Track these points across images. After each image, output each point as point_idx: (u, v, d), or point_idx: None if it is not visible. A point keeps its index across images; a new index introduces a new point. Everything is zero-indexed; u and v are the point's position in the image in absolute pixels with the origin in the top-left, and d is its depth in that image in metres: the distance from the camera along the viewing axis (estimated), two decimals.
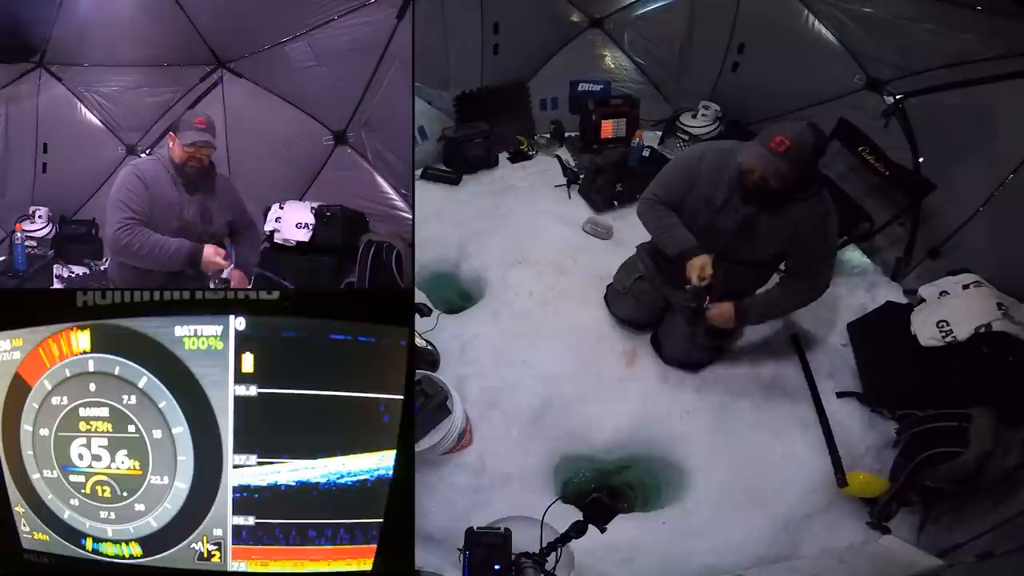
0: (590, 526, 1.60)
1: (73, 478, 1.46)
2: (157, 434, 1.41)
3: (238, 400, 1.38)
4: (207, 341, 1.39)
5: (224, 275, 2.35)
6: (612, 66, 3.76)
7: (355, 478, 1.40)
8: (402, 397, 1.42)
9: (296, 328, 1.39)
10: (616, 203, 3.34)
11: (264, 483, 1.40)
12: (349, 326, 1.40)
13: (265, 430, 1.39)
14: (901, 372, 2.46)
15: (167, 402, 1.40)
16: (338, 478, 1.40)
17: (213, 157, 2.34)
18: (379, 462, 1.41)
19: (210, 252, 2.24)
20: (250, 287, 2.53)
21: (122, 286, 2.35)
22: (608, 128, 3.63)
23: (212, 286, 2.33)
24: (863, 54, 2.95)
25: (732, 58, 3.53)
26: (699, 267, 2.17)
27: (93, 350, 1.42)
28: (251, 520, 1.41)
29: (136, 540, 1.45)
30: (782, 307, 2.35)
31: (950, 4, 2.49)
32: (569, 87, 3.71)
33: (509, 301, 2.90)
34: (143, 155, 3.34)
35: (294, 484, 1.40)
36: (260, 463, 1.39)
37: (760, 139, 2.03)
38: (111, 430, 1.43)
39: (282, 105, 3.25)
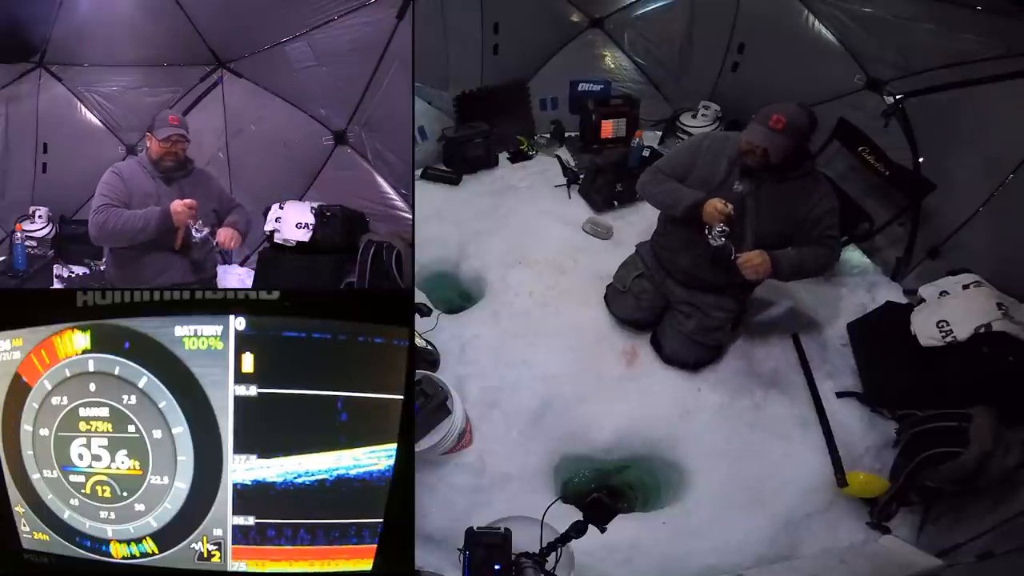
0: (590, 526, 1.60)
1: (73, 478, 1.46)
2: (157, 434, 1.41)
3: (238, 400, 1.38)
4: (207, 341, 1.39)
5: (207, 233, 2.39)
6: (612, 66, 3.77)
7: (355, 478, 1.40)
8: (402, 397, 1.42)
9: (296, 328, 1.39)
10: (616, 203, 3.34)
11: (264, 483, 1.40)
12: (349, 326, 1.40)
13: (265, 430, 1.39)
14: (901, 372, 2.46)
15: (167, 402, 1.40)
16: (337, 478, 1.40)
17: (193, 152, 2.46)
18: (379, 462, 1.41)
19: (176, 203, 2.29)
20: (247, 273, 2.53)
21: (120, 285, 2.36)
22: (608, 128, 3.63)
23: (197, 235, 2.37)
24: (863, 54, 2.95)
25: (732, 58, 3.53)
26: (717, 206, 2.19)
27: (93, 350, 1.42)
28: (251, 520, 1.41)
29: (150, 536, 1.45)
30: (807, 264, 2.31)
31: (950, 4, 2.49)
32: (569, 87, 3.71)
33: (509, 301, 2.90)
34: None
35: (294, 484, 1.40)
36: (260, 463, 1.39)
37: (757, 119, 2.17)
38: (111, 430, 1.43)
39: (282, 105, 3.26)
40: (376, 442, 1.41)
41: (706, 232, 2.24)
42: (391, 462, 1.41)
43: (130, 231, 2.27)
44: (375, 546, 1.42)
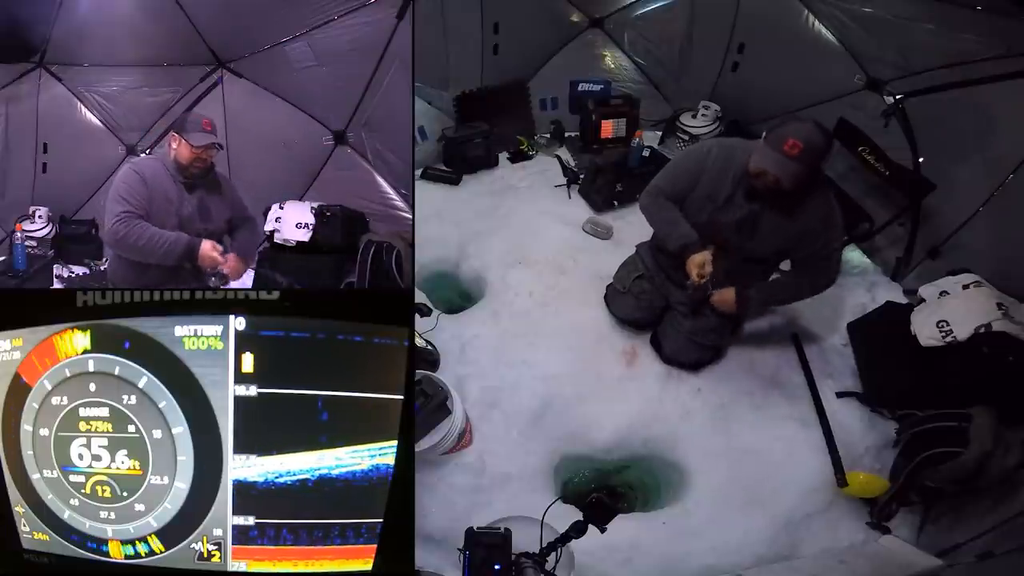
0: (590, 526, 1.60)
1: (73, 478, 1.46)
2: (157, 434, 1.41)
3: (238, 400, 1.38)
4: (207, 341, 1.39)
5: (222, 270, 2.30)
6: (612, 66, 3.76)
7: (355, 479, 1.40)
8: (402, 397, 1.42)
9: (296, 328, 1.39)
10: (616, 203, 3.34)
11: (264, 483, 1.40)
12: (349, 326, 1.40)
13: (265, 430, 1.39)
14: (901, 372, 2.46)
15: (167, 402, 1.40)
16: (337, 479, 1.40)
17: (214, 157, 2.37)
18: (379, 462, 1.41)
19: (207, 247, 2.23)
20: (247, 273, 2.53)
21: (121, 286, 2.35)
22: (608, 128, 3.63)
23: (211, 283, 2.31)
24: (863, 54, 2.95)
25: (732, 58, 3.53)
26: (699, 264, 2.20)
27: (93, 350, 1.42)
28: (251, 520, 1.41)
29: (155, 534, 1.45)
30: (786, 294, 2.29)
31: (950, 4, 2.49)
32: (569, 87, 3.71)
33: (509, 301, 2.90)
34: (143, 155, 3.34)
35: (294, 484, 1.40)
36: (260, 463, 1.39)
37: (770, 142, 2.01)
38: (111, 430, 1.43)
39: (282, 105, 3.26)
40: (376, 441, 1.41)
41: (685, 283, 2.26)
42: (392, 462, 1.41)
43: (149, 252, 2.17)
44: (375, 546, 1.42)
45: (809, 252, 2.24)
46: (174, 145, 2.25)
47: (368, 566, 1.43)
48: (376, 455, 1.41)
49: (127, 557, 1.46)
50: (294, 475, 1.40)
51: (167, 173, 2.26)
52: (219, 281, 2.31)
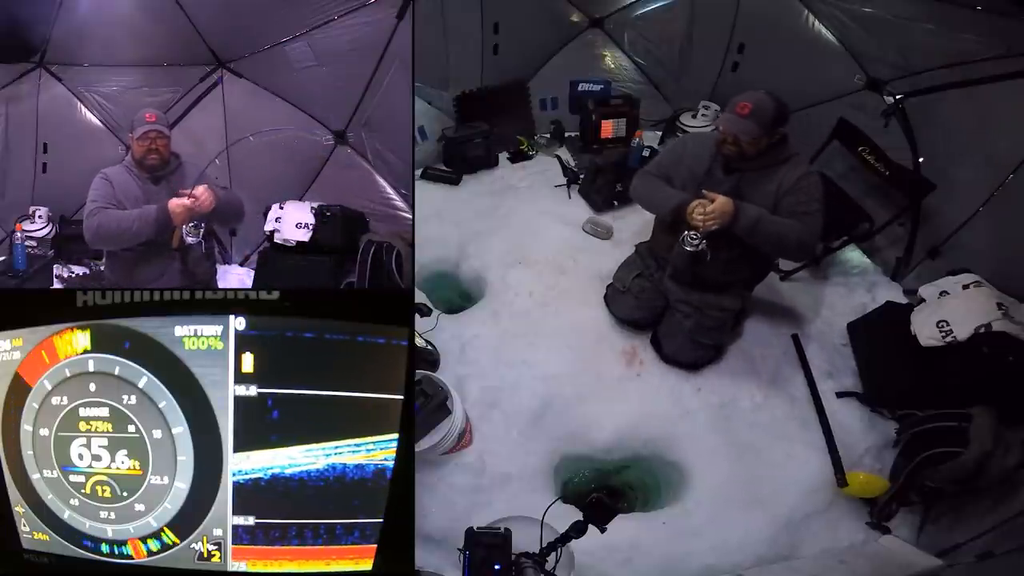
0: (590, 526, 1.60)
1: (73, 478, 1.46)
2: (157, 434, 1.41)
3: (238, 400, 1.38)
4: (207, 341, 1.39)
5: (200, 237, 2.34)
6: (612, 66, 3.77)
7: (355, 479, 1.40)
8: (402, 397, 1.42)
9: (296, 328, 1.39)
10: (616, 203, 3.34)
11: (264, 483, 1.40)
12: (349, 326, 1.40)
13: (264, 430, 1.39)
14: (901, 372, 2.46)
15: (167, 402, 1.40)
16: (338, 479, 1.40)
17: (193, 153, 2.48)
18: (379, 462, 1.41)
19: (175, 202, 2.24)
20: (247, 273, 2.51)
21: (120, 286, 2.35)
22: (608, 128, 3.64)
23: (190, 239, 2.32)
24: (863, 54, 2.95)
25: (732, 58, 3.54)
26: (701, 204, 2.20)
27: (93, 350, 1.42)
28: (251, 520, 1.41)
29: (166, 527, 1.45)
30: (774, 227, 2.22)
31: (950, 4, 2.49)
32: (569, 87, 3.71)
33: (509, 301, 2.90)
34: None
35: (294, 484, 1.40)
36: (259, 463, 1.39)
37: (727, 108, 2.22)
38: (111, 430, 1.43)
39: (282, 105, 3.25)
40: (375, 441, 1.41)
41: (680, 241, 2.25)
42: (391, 461, 1.41)
43: (125, 231, 2.24)
44: (375, 546, 1.42)
45: (789, 209, 2.24)
46: (131, 145, 2.37)
47: (368, 566, 1.43)
48: (376, 455, 1.41)
49: (156, 552, 1.46)
50: (294, 475, 1.40)
51: (130, 175, 2.36)
52: (194, 232, 2.31)
